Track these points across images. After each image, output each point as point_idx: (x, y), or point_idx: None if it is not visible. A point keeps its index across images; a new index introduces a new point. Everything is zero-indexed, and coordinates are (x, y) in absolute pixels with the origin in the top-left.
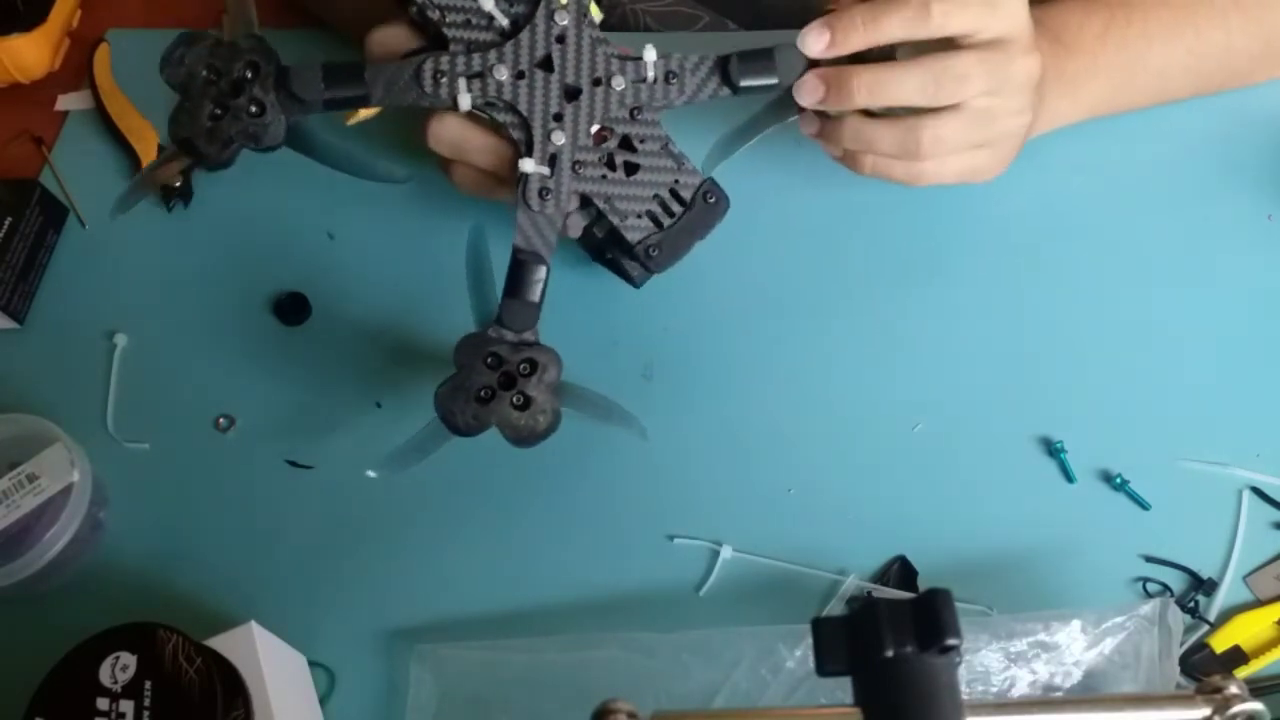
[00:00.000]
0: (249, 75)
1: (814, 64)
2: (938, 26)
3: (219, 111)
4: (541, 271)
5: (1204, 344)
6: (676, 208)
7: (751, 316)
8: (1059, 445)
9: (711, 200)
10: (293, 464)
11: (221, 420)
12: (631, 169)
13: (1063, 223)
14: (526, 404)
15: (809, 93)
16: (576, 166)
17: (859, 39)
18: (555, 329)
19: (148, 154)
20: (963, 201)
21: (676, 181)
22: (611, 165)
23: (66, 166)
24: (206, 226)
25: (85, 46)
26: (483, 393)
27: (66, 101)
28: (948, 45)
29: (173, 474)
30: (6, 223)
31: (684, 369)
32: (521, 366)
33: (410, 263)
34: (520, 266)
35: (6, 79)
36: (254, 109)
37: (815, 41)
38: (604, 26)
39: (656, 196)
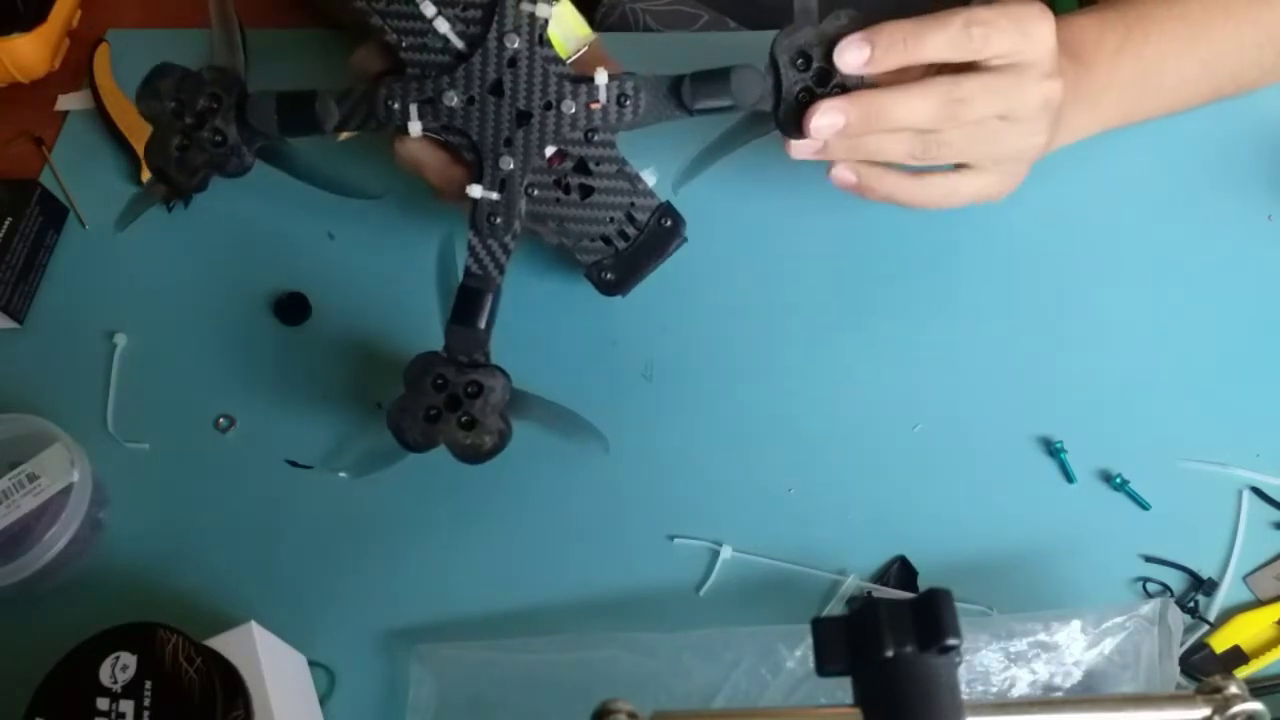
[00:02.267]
0: (213, 107)
1: (778, 85)
2: (976, 50)
3: (185, 142)
4: (488, 298)
5: (1204, 344)
6: (631, 231)
7: (751, 316)
8: (1059, 445)
9: (667, 224)
10: (293, 464)
11: (221, 420)
12: (586, 191)
13: (1062, 223)
14: (472, 424)
15: (831, 122)
16: (530, 189)
17: (898, 57)
18: (555, 329)
19: None
20: None
21: (632, 205)
22: (566, 188)
23: (66, 166)
24: (207, 226)
25: (85, 46)
26: (430, 412)
27: (66, 101)
28: (970, 65)
29: (173, 474)
30: (6, 223)
31: (684, 369)
32: (468, 388)
33: (411, 262)
34: (465, 293)
35: (6, 79)
36: (217, 139)
37: (855, 56)
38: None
39: (612, 219)
